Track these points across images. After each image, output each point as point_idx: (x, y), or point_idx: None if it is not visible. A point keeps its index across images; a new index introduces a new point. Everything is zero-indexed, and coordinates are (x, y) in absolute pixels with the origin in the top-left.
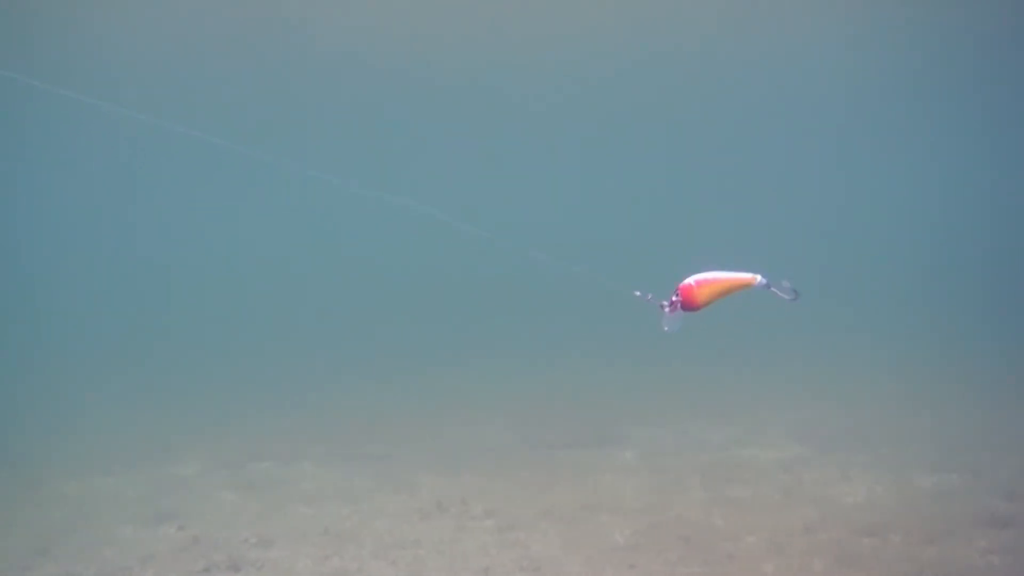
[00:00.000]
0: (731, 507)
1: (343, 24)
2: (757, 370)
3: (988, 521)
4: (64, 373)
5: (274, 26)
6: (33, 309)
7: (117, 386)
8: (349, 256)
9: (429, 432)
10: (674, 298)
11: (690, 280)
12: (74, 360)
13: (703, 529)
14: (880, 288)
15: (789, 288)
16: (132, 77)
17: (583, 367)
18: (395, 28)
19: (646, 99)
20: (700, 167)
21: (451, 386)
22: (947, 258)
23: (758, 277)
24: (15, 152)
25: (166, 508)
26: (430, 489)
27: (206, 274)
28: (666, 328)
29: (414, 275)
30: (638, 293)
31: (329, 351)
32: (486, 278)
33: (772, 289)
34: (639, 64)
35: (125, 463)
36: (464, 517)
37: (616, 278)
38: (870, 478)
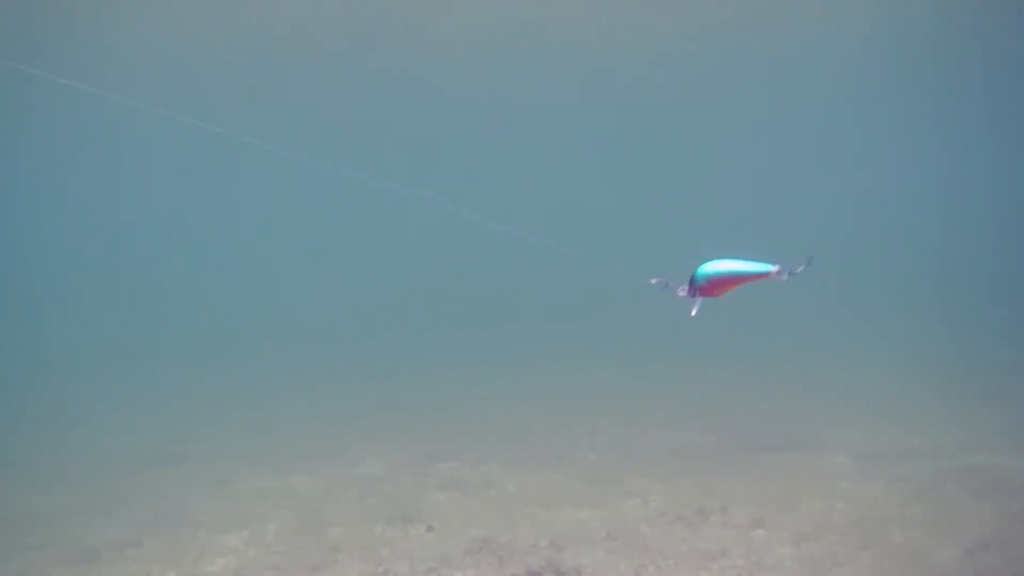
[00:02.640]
0: None
1: (348, 22)
2: (884, 371)
3: None
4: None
5: (274, 26)
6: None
7: (220, 385)
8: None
9: (598, 432)
10: (691, 290)
11: (707, 272)
12: (154, 362)
13: None
14: (926, 287)
15: (805, 265)
16: (132, 76)
17: (714, 366)
18: (410, 26)
19: (662, 98)
20: (711, 166)
21: (574, 385)
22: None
23: (775, 270)
24: (19, 152)
25: (394, 508)
26: (663, 495)
27: (257, 274)
28: (693, 313)
29: (471, 280)
30: (654, 281)
31: (423, 348)
32: (530, 278)
33: (793, 272)
34: (658, 63)
35: (305, 462)
36: (731, 526)
37: (637, 268)
38: None
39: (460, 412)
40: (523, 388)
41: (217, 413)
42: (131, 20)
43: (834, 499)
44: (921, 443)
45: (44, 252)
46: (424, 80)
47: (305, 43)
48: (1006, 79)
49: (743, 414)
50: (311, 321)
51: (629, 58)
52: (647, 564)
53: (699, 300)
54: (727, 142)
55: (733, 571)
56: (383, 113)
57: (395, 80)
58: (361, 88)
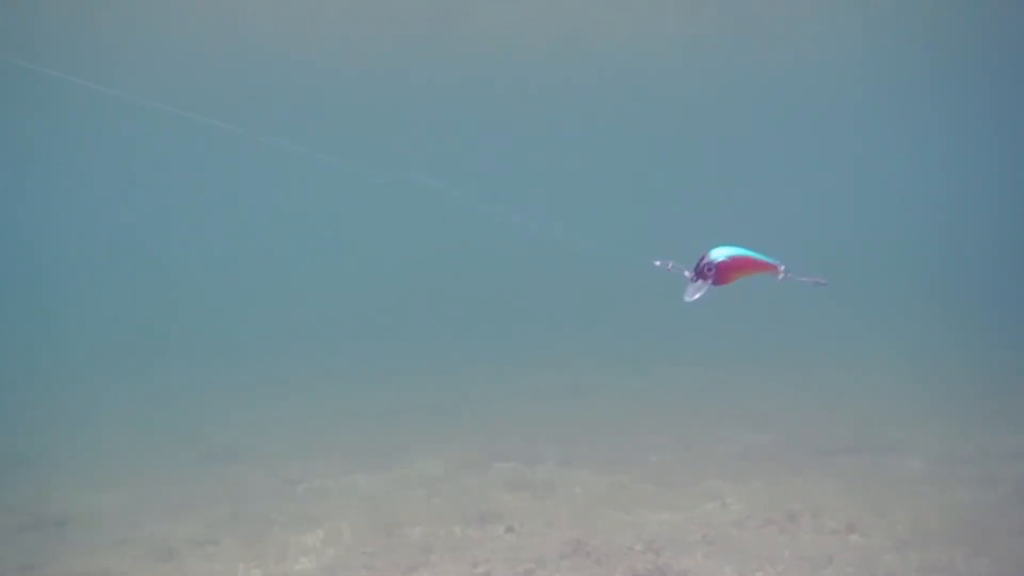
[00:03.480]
0: None
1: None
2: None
3: None
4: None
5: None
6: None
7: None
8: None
9: (649, 433)
10: (706, 269)
11: (723, 256)
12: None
13: None
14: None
15: (813, 279)
16: (134, 74)
17: (745, 368)
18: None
19: (664, 95)
20: (711, 165)
21: (607, 385)
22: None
23: (781, 269)
24: (27, 151)
25: (465, 508)
26: (740, 498)
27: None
28: (687, 298)
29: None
30: (658, 263)
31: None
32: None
33: (793, 279)
34: (658, 61)
35: (360, 460)
36: (825, 531)
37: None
38: None
39: (499, 412)
40: (557, 388)
41: (251, 410)
42: (134, 17)
43: (923, 504)
44: (991, 446)
45: (55, 252)
46: (427, 74)
47: (306, 40)
48: (1007, 79)
49: (794, 415)
50: (334, 319)
51: (630, 56)
52: (755, 570)
53: (704, 285)
54: (727, 141)
55: None
56: (384, 111)
57: (397, 78)
58: (362, 86)
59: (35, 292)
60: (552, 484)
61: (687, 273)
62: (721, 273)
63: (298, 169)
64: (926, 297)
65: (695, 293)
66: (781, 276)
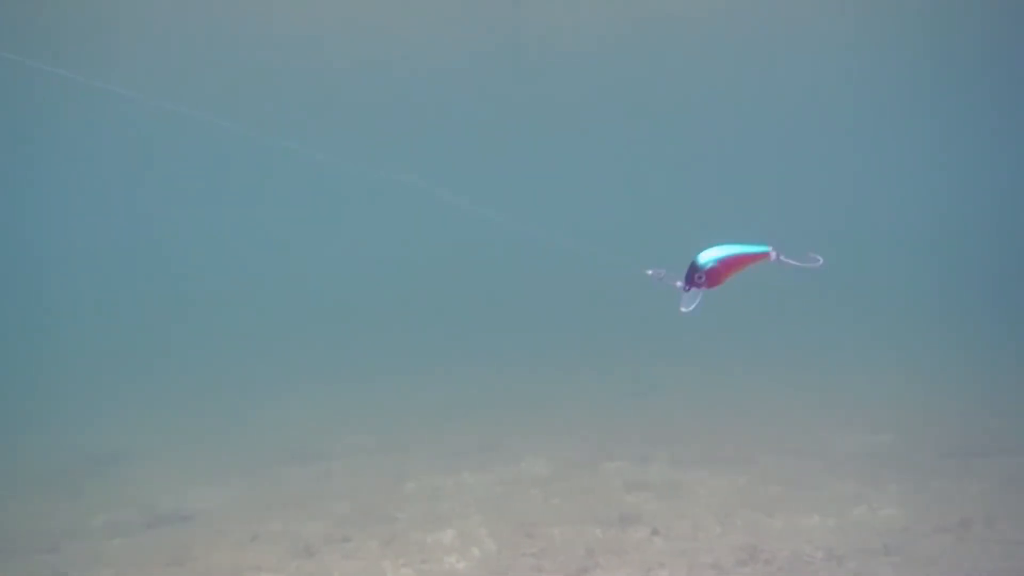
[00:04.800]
0: None
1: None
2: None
3: None
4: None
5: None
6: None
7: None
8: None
9: (748, 432)
10: (697, 277)
11: (710, 258)
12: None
13: None
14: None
15: (811, 257)
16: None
17: (816, 366)
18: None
19: (657, 93)
20: (708, 164)
21: (675, 385)
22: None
23: (772, 253)
24: (29, 149)
25: (594, 509)
26: (885, 502)
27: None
28: (684, 310)
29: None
30: (651, 271)
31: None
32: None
33: (790, 262)
34: (652, 61)
35: (463, 461)
36: (1010, 541)
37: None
38: None
39: (581, 410)
40: (631, 386)
41: (319, 407)
42: (139, 14)
43: None
44: None
45: (62, 253)
46: (426, 77)
47: (305, 39)
48: (1007, 79)
49: (900, 415)
50: (372, 316)
51: (626, 52)
52: None
53: (699, 294)
54: (725, 140)
55: None
56: (382, 110)
57: (395, 77)
58: (361, 85)
59: (45, 293)
60: (672, 485)
61: (678, 284)
62: (712, 277)
63: (303, 166)
64: (980, 296)
65: (691, 303)
66: (774, 258)
